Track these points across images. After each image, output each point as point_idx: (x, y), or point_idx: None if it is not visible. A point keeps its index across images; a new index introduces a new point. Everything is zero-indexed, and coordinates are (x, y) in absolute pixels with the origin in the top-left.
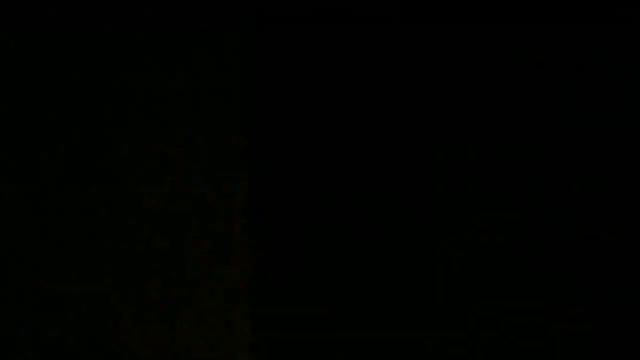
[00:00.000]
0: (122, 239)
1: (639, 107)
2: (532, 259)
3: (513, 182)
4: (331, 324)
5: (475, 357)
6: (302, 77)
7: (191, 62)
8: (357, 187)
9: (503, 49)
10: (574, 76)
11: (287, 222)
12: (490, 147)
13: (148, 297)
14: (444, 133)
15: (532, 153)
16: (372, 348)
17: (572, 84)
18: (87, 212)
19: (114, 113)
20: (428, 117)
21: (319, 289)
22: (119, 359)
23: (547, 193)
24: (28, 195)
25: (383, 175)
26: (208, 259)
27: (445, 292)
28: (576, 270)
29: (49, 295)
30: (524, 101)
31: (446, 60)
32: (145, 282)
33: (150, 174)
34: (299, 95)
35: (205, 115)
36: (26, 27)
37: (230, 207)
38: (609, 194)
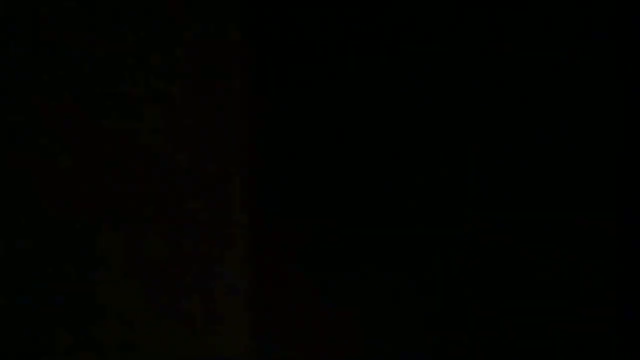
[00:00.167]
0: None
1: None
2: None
3: (514, 181)
4: (330, 321)
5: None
6: (303, 70)
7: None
8: (357, 184)
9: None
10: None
11: (288, 214)
12: (492, 146)
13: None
14: (444, 128)
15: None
16: (374, 345)
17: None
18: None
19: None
20: (429, 113)
21: (319, 284)
22: (118, 355)
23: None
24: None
25: (384, 169)
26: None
27: (445, 291)
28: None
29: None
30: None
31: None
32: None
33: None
34: (301, 88)
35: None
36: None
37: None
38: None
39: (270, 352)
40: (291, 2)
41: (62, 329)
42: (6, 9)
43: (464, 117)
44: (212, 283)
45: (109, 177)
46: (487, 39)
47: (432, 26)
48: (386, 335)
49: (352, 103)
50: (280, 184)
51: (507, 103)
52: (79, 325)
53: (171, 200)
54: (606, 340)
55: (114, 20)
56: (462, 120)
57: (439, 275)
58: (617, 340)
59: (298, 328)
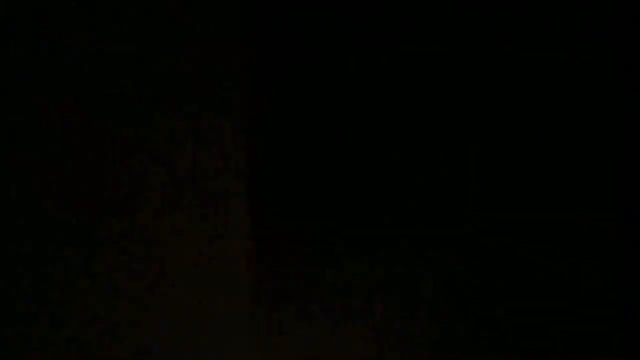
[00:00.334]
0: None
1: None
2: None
3: (514, 179)
4: (330, 316)
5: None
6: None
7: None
8: (357, 180)
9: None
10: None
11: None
12: (492, 143)
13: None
14: (444, 125)
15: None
16: (376, 340)
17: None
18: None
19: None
20: (429, 112)
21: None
22: (118, 351)
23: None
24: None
25: (384, 168)
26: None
27: (445, 290)
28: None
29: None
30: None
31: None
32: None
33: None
34: (301, 81)
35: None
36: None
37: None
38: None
39: (271, 348)
40: (291, 2)
41: (62, 326)
42: (6, 9)
43: (464, 117)
44: (213, 284)
45: (109, 176)
46: (487, 39)
47: (432, 26)
48: (389, 337)
49: (352, 102)
50: (280, 184)
51: (507, 103)
52: (80, 324)
53: (171, 200)
54: (606, 339)
55: (113, 20)
56: (462, 120)
57: (438, 274)
58: (617, 340)
59: (298, 326)
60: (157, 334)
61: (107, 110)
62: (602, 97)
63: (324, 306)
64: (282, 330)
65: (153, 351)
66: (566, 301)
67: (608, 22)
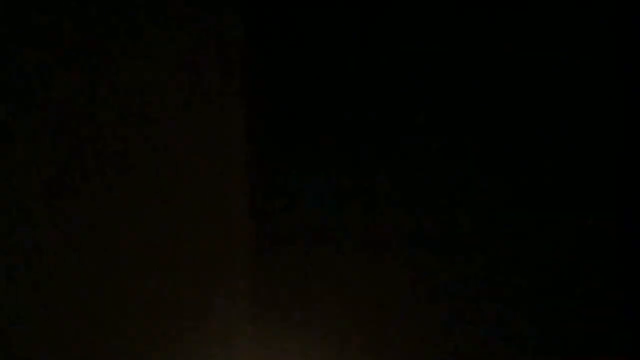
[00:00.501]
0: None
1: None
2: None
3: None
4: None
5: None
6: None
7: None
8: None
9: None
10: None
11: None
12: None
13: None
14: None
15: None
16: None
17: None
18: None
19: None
20: (429, 116)
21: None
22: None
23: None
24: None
25: (384, 167)
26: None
27: (445, 289)
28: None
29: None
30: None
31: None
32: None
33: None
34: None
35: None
36: None
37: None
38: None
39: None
40: (292, 2)
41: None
42: (6, 9)
43: (464, 118)
44: (213, 282)
45: (110, 176)
46: (487, 39)
47: (432, 24)
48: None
49: (352, 102)
50: (280, 184)
51: (507, 103)
52: (80, 323)
53: (171, 199)
54: (606, 339)
55: (113, 20)
56: (462, 121)
57: (438, 274)
58: (617, 340)
59: (299, 324)
60: (157, 333)
61: (106, 111)
62: (602, 97)
63: (324, 306)
64: (282, 333)
65: (153, 351)
66: (566, 301)
67: (608, 22)
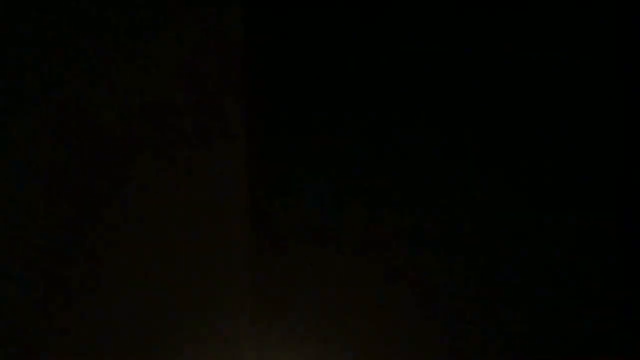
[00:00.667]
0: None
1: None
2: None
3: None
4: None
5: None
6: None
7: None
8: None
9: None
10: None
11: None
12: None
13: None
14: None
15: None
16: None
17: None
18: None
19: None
20: (428, 124)
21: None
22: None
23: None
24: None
25: (383, 166)
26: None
27: (445, 289)
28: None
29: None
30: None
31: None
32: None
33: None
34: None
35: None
36: None
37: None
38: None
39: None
40: (292, 2)
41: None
42: (6, 9)
43: (464, 118)
44: (214, 276)
45: (108, 176)
46: (487, 39)
47: (433, 26)
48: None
49: (352, 102)
50: (280, 184)
51: (507, 103)
52: (80, 323)
53: (170, 199)
54: (606, 339)
55: (113, 20)
56: (463, 121)
57: (438, 273)
58: (617, 340)
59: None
60: (157, 333)
61: (106, 111)
62: (602, 97)
63: (324, 306)
64: (282, 332)
65: (153, 350)
66: (566, 301)
67: (608, 22)
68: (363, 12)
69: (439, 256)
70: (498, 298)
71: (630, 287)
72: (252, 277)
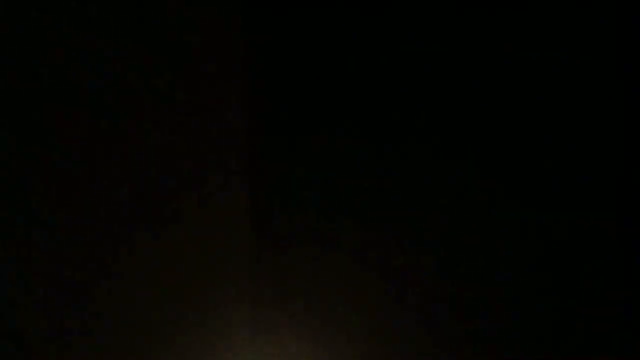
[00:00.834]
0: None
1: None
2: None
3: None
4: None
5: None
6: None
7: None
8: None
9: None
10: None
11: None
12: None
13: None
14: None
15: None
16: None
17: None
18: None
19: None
20: (428, 127)
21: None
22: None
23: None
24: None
25: (382, 165)
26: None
27: (445, 287)
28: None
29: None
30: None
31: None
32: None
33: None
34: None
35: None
36: None
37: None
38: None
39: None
40: (292, 2)
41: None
42: (6, 9)
43: (464, 118)
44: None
45: (108, 176)
46: (487, 39)
47: (433, 26)
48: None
49: (352, 102)
50: (280, 184)
51: (507, 103)
52: (80, 322)
53: (170, 199)
54: (606, 339)
55: (114, 20)
56: (463, 121)
57: (438, 273)
58: (617, 340)
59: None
60: (157, 333)
61: (105, 111)
62: (602, 97)
63: (323, 305)
64: (282, 333)
65: (153, 350)
66: (566, 301)
67: (608, 22)
68: (363, 12)
69: (439, 256)
70: (498, 298)
71: (630, 287)
72: (252, 277)
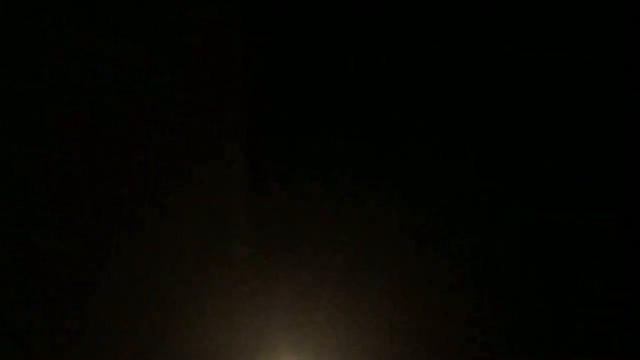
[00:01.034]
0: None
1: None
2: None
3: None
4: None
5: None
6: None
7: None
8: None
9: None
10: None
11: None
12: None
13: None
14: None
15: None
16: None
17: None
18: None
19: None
20: (427, 129)
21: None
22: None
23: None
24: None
25: (382, 164)
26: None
27: (446, 288)
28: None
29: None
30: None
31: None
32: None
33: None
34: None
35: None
36: None
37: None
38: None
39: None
40: (292, 2)
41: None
42: (6, 9)
43: (464, 118)
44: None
45: (109, 176)
46: (487, 39)
47: (433, 26)
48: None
49: (352, 102)
50: (280, 184)
51: (507, 103)
52: (82, 322)
53: (170, 199)
54: (606, 339)
55: (114, 20)
56: (463, 121)
57: (438, 272)
58: (617, 340)
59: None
60: (157, 332)
61: (105, 110)
62: (602, 97)
63: (324, 297)
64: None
65: (153, 347)
66: (566, 301)
67: (608, 22)
68: (363, 12)
69: (438, 256)
70: (498, 298)
71: (630, 287)
72: (252, 279)
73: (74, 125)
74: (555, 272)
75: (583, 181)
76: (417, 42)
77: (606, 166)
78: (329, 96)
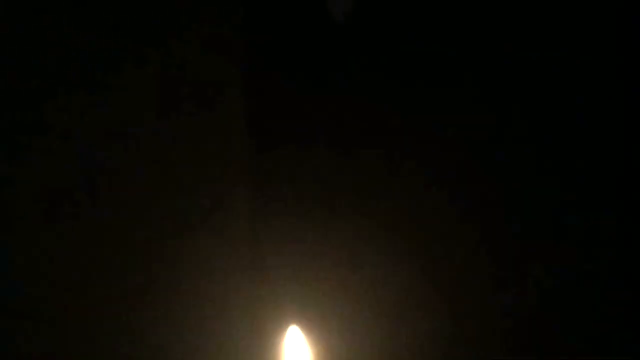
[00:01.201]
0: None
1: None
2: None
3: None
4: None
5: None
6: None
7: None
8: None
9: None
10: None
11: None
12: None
13: None
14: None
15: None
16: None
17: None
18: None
19: None
20: (428, 121)
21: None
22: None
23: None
24: None
25: (381, 164)
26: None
27: (446, 287)
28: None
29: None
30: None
31: None
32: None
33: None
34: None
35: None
36: None
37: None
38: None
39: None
40: (292, 1)
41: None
42: (6, 9)
43: (464, 117)
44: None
45: (109, 174)
46: (487, 38)
47: (433, 26)
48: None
49: (352, 102)
50: (280, 184)
51: (507, 103)
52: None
53: (170, 198)
54: (606, 339)
55: (114, 19)
56: (463, 120)
57: (438, 271)
58: (617, 340)
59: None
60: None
61: (105, 110)
62: (602, 97)
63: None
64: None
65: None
66: (566, 301)
67: (608, 22)
68: (363, 12)
69: (439, 255)
70: (498, 297)
71: (630, 287)
72: (251, 273)
73: (72, 124)
74: (555, 272)
75: (583, 181)
76: (417, 41)
77: (606, 166)
78: (329, 96)
